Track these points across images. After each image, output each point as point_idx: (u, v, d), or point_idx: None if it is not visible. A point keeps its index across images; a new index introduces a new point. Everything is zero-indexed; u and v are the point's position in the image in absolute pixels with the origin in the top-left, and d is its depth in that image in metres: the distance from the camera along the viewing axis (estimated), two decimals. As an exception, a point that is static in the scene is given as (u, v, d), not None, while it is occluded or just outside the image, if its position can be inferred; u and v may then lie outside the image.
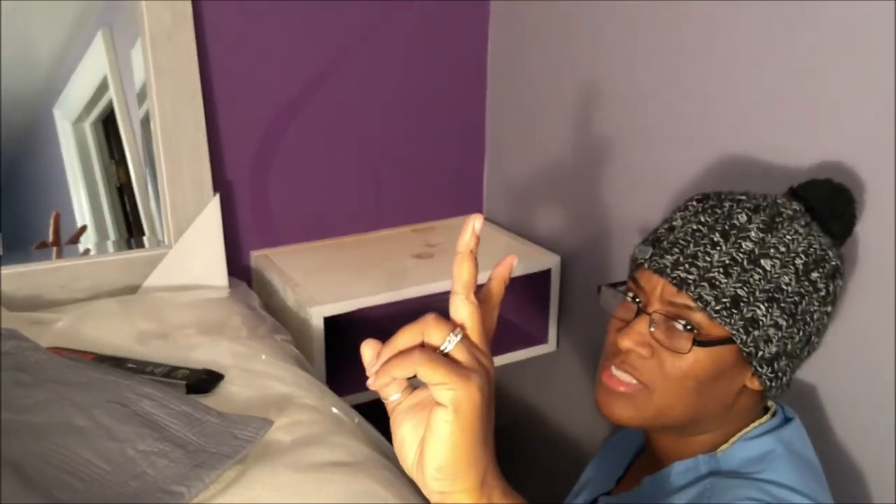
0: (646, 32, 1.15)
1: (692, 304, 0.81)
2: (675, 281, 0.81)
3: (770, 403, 0.90)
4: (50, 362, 0.86)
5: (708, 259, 0.81)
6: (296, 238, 1.43)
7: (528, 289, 1.43)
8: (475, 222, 0.58)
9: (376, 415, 1.07)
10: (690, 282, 0.80)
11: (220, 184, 1.31)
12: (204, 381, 0.92)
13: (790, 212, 0.84)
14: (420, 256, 1.39)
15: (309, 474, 0.78)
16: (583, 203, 1.35)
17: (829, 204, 0.88)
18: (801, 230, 0.83)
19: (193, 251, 1.18)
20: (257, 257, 1.38)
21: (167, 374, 0.92)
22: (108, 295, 1.13)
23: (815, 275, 0.82)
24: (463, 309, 0.57)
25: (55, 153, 1.21)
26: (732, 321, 0.80)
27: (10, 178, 1.15)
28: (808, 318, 0.82)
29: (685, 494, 0.84)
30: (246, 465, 0.78)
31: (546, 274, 1.40)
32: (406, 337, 0.56)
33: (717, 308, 0.80)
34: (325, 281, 1.28)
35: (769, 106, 1.00)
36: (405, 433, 0.57)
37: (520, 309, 1.49)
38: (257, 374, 0.95)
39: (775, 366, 0.82)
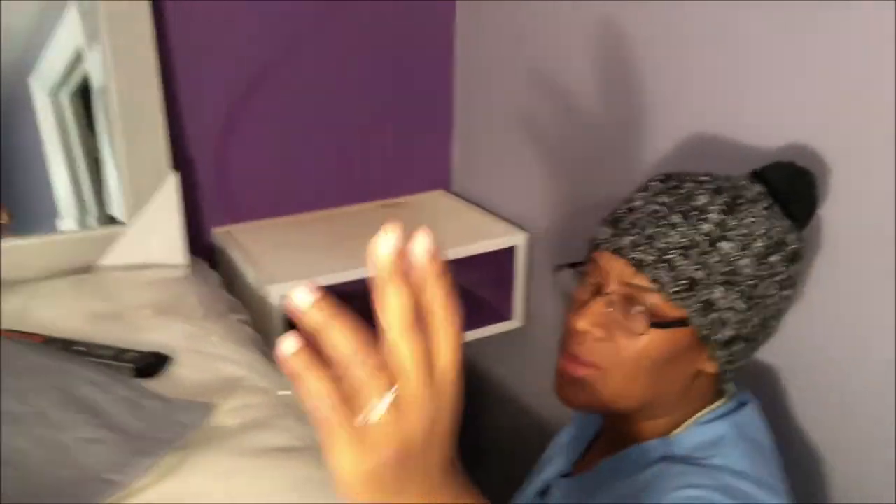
0: (616, 12, 1.13)
1: (650, 285, 0.80)
2: (633, 262, 0.81)
3: (726, 387, 0.90)
4: (-8, 346, 0.85)
5: (666, 240, 0.80)
6: (260, 214, 1.41)
7: (496, 265, 1.42)
8: (419, 242, 0.43)
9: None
10: (649, 263, 0.80)
11: (182, 160, 1.29)
12: (152, 364, 0.91)
13: (751, 194, 0.83)
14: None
15: (252, 460, 0.77)
16: (554, 179, 1.33)
17: (791, 187, 0.86)
18: (761, 213, 0.81)
19: (151, 230, 1.17)
20: (220, 234, 1.36)
21: (115, 356, 0.91)
22: (62, 274, 1.11)
23: (773, 258, 0.81)
24: (402, 350, 0.44)
25: (32, 124, 1.19)
26: (689, 303, 0.79)
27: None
28: (766, 302, 0.81)
29: (637, 479, 0.84)
30: (188, 451, 0.77)
31: (511, 251, 1.39)
32: (343, 344, 0.43)
33: (675, 290, 0.79)
34: (286, 258, 1.27)
35: (739, 86, 0.98)
36: None
37: (487, 285, 1.49)
38: (208, 356, 0.94)
39: (731, 349, 0.82)
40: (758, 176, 0.88)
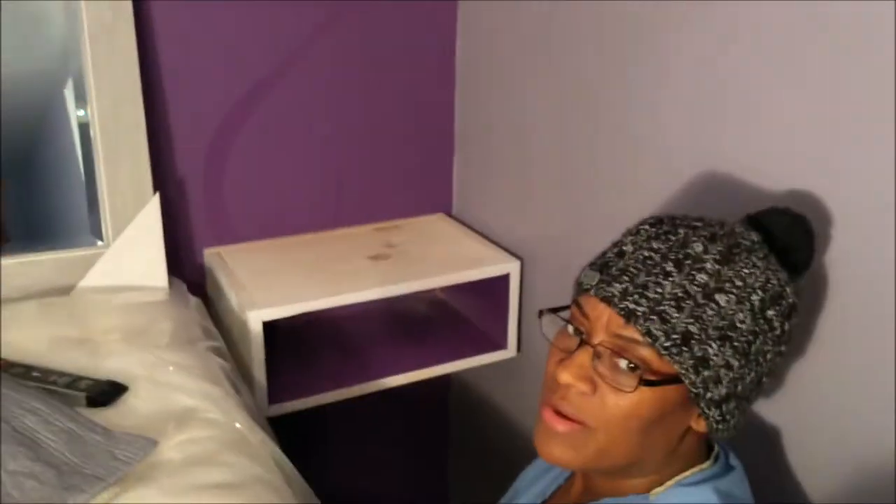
0: (627, 34, 1.09)
1: (640, 338, 0.74)
2: (622, 312, 0.75)
3: (715, 446, 0.85)
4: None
5: (659, 290, 0.74)
6: (252, 235, 1.41)
7: (489, 293, 1.40)
8: None
9: (314, 421, 1.05)
10: (640, 314, 0.74)
11: (172, 181, 1.30)
12: (106, 392, 0.90)
13: (748, 243, 0.78)
14: (376, 258, 1.36)
15: (182, 496, 0.76)
16: (552, 206, 1.30)
17: (789, 235, 0.81)
18: (758, 263, 0.76)
19: (132, 251, 1.17)
20: (210, 255, 1.36)
21: (69, 384, 0.90)
22: (41, 295, 1.12)
23: (770, 313, 0.76)
24: None
25: (68, 138, 1.21)
26: (682, 359, 0.73)
27: (25, 165, 1.15)
28: (761, 359, 0.76)
29: None
30: (123, 487, 0.77)
31: (506, 279, 1.36)
32: None
33: (667, 345, 0.73)
34: (270, 283, 1.26)
35: (749, 124, 0.93)
36: None
37: (480, 313, 1.46)
38: (165, 385, 0.93)
39: (724, 408, 0.76)
40: (753, 222, 0.83)
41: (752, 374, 0.76)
